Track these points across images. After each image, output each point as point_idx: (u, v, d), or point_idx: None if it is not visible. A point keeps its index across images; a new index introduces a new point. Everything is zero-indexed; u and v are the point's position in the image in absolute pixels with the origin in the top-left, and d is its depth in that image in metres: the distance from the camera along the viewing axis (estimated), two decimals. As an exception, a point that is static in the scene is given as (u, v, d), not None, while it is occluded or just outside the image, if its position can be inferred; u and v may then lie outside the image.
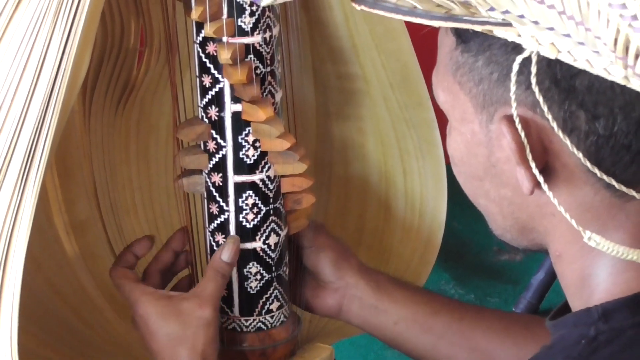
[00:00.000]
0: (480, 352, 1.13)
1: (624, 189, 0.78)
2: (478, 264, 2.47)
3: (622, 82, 0.72)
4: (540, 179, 0.79)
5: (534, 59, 0.76)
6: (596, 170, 0.78)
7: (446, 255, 2.38)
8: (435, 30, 0.85)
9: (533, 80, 0.76)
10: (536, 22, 0.73)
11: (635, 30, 0.67)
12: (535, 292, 2.39)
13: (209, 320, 1.06)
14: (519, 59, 0.76)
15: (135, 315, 1.07)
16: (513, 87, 0.78)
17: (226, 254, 1.09)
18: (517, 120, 0.78)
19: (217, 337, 1.07)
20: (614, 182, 0.78)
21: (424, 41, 1.18)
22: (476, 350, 1.13)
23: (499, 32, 0.76)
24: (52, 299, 1.16)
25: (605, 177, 0.78)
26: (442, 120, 0.91)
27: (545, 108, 0.77)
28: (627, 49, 0.69)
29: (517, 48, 0.76)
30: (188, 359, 1.04)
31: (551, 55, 0.73)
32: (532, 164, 0.79)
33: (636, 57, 0.69)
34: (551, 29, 0.72)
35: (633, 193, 0.78)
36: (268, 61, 1.05)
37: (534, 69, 0.76)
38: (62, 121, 0.96)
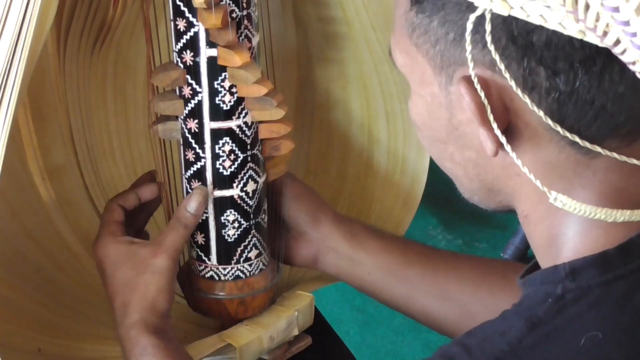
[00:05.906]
0: (454, 301, 1.12)
1: (588, 145, 0.76)
2: (466, 209, 2.44)
3: (578, 36, 0.70)
4: (503, 139, 0.77)
5: (488, 16, 0.73)
6: (559, 128, 0.76)
7: (434, 200, 2.37)
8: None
9: (488, 38, 0.74)
10: None
11: None
12: (523, 237, 2.38)
13: (162, 269, 1.04)
14: (472, 17, 0.74)
15: (94, 255, 1.06)
16: (468, 47, 0.75)
17: (192, 205, 1.07)
18: (475, 81, 0.76)
19: (171, 286, 1.05)
20: (577, 139, 0.76)
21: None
22: (450, 300, 1.12)
23: None
24: (27, 245, 1.14)
25: (568, 134, 0.76)
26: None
27: (502, 66, 0.74)
28: (576, 1, 0.67)
29: (471, 6, 0.74)
30: (138, 306, 1.02)
31: (503, 12, 0.72)
32: (494, 125, 0.77)
33: (586, 9, 0.67)
34: None
35: (598, 149, 0.76)
36: (244, 4, 1.02)
37: (488, 27, 0.74)
38: (31, 64, 0.94)
